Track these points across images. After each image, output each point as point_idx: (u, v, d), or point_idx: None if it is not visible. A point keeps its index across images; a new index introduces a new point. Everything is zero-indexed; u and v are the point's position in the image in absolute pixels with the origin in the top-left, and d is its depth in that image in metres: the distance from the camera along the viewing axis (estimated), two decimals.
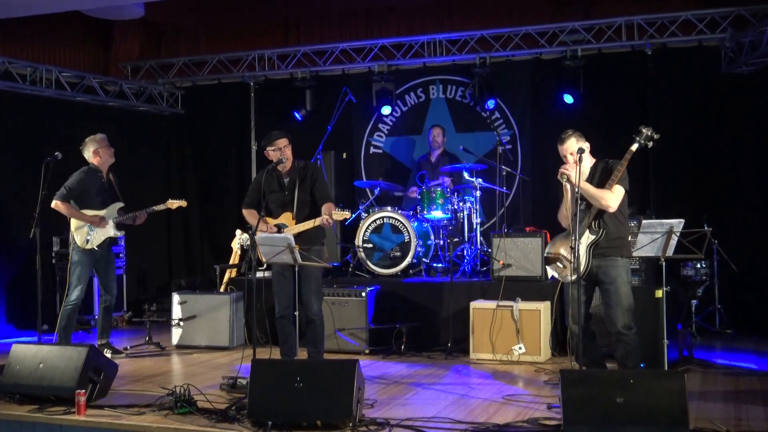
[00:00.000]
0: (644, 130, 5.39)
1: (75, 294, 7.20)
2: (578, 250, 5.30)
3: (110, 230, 7.33)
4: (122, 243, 9.92)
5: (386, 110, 9.93)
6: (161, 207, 7.46)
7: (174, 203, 7.48)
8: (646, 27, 8.93)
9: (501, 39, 9.52)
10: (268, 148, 6.29)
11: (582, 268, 5.37)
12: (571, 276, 5.42)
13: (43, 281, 6.92)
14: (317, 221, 6.11)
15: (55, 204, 7.21)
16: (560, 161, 5.40)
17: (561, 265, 5.58)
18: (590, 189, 5.36)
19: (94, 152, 7.36)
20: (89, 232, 7.24)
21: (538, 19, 9.47)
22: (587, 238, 5.40)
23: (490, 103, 9.43)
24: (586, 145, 5.47)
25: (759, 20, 8.16)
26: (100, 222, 7.25)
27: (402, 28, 10.19)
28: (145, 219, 7.52)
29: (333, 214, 6.06)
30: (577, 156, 5.34)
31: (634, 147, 5.38)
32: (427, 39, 9.82)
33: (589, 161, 5.54)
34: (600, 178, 5.45)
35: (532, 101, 9.63)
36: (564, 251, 5.55)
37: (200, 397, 5.38)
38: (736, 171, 8.64)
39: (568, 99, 9.09)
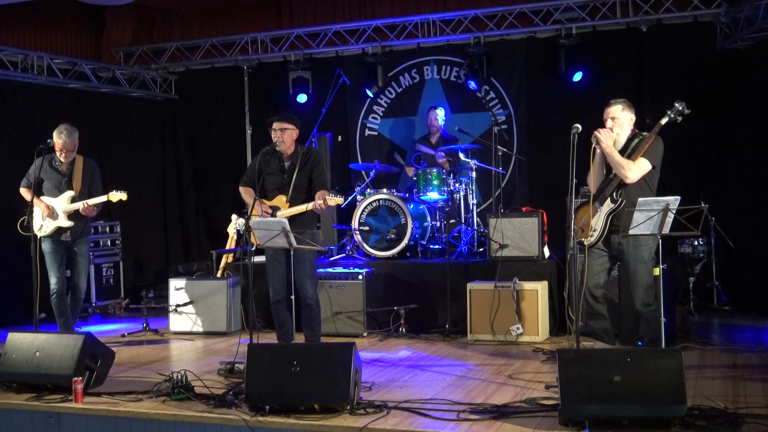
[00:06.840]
0: (677, 105, 5.43)
1: (50, 283, 7.05)
2: (599, 218, 5.49)
3: (62, 220, 6.98)
4: (118, 230, 9.90)
5: (369, 93, 10.01)
6: (102, 199, 6.97)
7: (115, 196, 6.95)
8: (640, 3, 8.85)
9: (495, 18, 9.44)
10: (274, 125, 6.21)
11: (597, 233, 5.54)
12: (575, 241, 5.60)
13: (41, 270, 6.84)
14: (309, 206, 6.08)
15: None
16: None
17: (581, 230, 5.66)
18: (615, 156, 5.49)
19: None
20: (41, 220, 7.03)
21: None
22: (607, 206, 5.52)
23: (472, 84, 9.37)
24: (630, 117, 5.58)
25: None
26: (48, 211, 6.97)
27: (395, 9, 10.11)
28: (93, 210, 7.02)
29: (326, 200, 6.02)
30: (615, 123, 5.49)
31: (664, 121, 5.45)
32: (420, 19, 9.75)
33: (626, 133, 5.61)
34: (632, 151, 5.53)
35: (528, 80, 9.56)
36: (585, 216, 5.65)
37: (198, 383, 5.37)
38: (733, 147, 8.59)
39: (577, 77, 9.02)
